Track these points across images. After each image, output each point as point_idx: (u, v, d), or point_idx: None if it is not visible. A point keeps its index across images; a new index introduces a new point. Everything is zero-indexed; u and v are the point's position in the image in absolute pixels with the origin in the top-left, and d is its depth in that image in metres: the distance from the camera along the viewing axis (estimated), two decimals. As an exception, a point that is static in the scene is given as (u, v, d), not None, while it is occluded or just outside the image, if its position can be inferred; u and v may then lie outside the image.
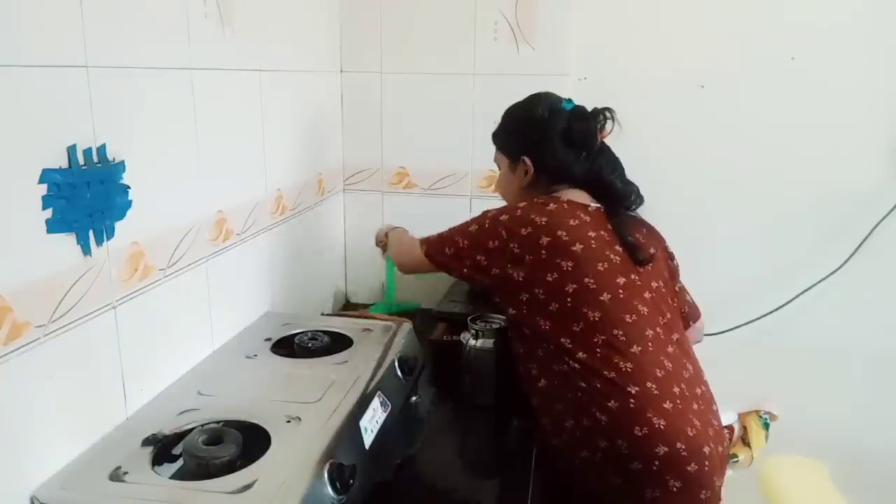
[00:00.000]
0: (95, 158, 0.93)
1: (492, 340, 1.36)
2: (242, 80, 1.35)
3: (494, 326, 1.38)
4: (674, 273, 1.36)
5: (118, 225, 0.99)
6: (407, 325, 1.43)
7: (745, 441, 1.93)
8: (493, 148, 1.44)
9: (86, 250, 0.92)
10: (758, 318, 1.84)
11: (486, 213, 1.31)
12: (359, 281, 2.01)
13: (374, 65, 1.85)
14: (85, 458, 0.92)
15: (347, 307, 1.98)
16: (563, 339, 1.17)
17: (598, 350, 1.15)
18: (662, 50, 1.78)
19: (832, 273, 1.79)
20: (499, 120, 1.41)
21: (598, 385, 1.14)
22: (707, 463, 1.13)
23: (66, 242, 0.90)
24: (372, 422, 1.07)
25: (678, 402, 1.14)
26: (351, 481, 0.90)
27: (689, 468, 1.11)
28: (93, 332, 0.95)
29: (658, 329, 1.20)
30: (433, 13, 1.79)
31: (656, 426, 1.10)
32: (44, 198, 0.85)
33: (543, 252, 1.20)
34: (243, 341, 1.33)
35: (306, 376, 1.17)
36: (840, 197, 1.77)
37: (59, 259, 0.89)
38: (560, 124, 1.30)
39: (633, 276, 1.22)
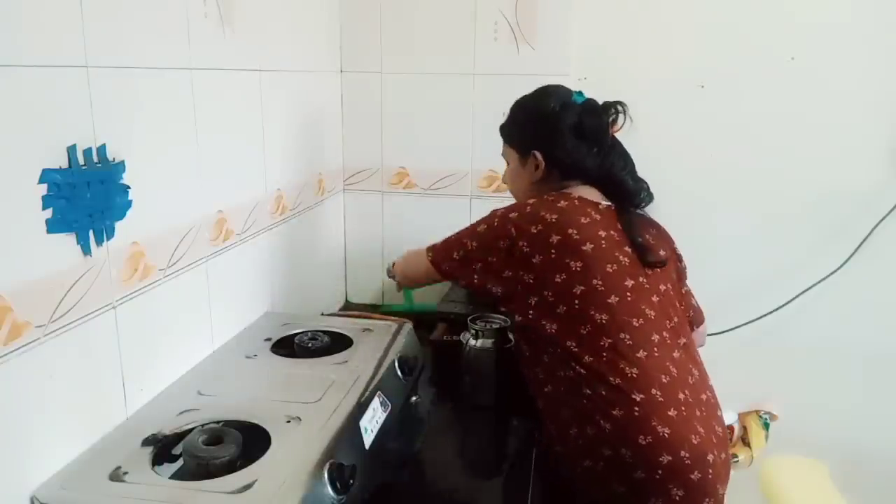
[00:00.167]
0: (95, 158, 0.93)
1: (492, 340, 1.36)
2: (242, 80, 1.35)
3: (494, 326, 1.38)
4: (681, 275, 1.34)
5: (118, 225, 0.99)
6: (407, 325, 1.43)
7: (745, 441, 1.93)
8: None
9: (86, 250, 0.92)
10: (758, 318, 1.84)
11: (494, 212, 1.28)
12: (359, 281, 2.01)
13: (374, 65, 1.85)
14: (85, 458, 0.92)
15: (347, 307, 1.98)
16: (569, 343, 1.16)
17: (605, 354, 1.13)
18: (662, 50, 1.78)
19: (832, 273, 1.79)
20: (507, 113, 1.38)
21: (603, 392, 1.12)
22: (711, 471, 1.12)
23: (66, 242, 0.90)
24: (372, 422, 1.07)
25: (683, 409, 1.13)
26: (351, 481, 0.90)
27: (692, 476, 1.10)
28: (93, 332, 0.95)
29: (665, 333, 1.19)
30: (433, 13, 1.79)
31: (660, 434, 1.09)
32: (44, 198, 0.85)
33: (553, 251, 1.17)
34: (243, 341, 1.33)
35: (306, 376, 1.17)
36: (840, 197, 1.77)
37: (59, 259, 0.89)
38: (571, 118, 1.27)
39: (641, 279, 1.20)
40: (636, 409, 1.10)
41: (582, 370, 1.14)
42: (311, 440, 0.96)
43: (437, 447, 1.26)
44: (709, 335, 1.72)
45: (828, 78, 1.72)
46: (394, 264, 1.52)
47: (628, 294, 1.17)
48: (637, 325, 1.16)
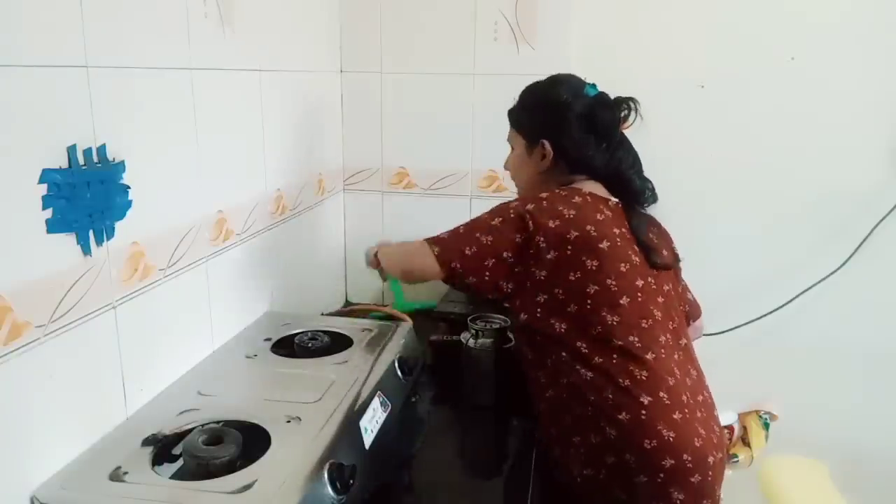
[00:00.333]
0: (95, 158, 0.93)
1: (491, 340, 1.36)
2: (242, 80, 1.35)
3: (494, 326, 1.38)
4: (678, 274, 1.34)
5: (118, 225, 0.99)
6: (407, 325, 1.43)
7: (745, 441, 1.93)
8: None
9: (86, 250, 0.92)
10: (758, 318, 1.84)
11: (506, 205, 1.22)
12: (359, 281, 2.01)
13: (374, 65, 1.85)
14: (85, 458, 0.92)
15: (347, 307, 1.98)
16: (579, 344, 1.14)
17: (615, 356, 1.12)
18: (663, 50, 1.78)
19: (832, 273, 1.79)
20: (517, 98, 1.36)
21: (610, 395, 1.11)
22: (710, 473, 1.12)
23: (66, 242, 0.90)
24: (372, 422, 1.07)
25: (686, 411, 1.13)
26: (351, 481, 0.90)
27: (692, 479, 1.10)
28: (93, 332, 0.95)
29: (668, 335, 1.18)
30: (433, 13, 1.79)
31: (665, 438, 1.09)
32: (44, 198, 0.85)
33: (569, 248, 1.14)
34: (243, 341, 1.33)
35: (306, 376, 1.17)
36: (840, 197, 1.77)
37: (59, 259, 0.89)
38: (582, 109, 1.25)
39: (649, 279, 1.19)
40: (643, 412, 1.10)
41: (589, 373, 1.13)
42: (311, 440, 0.96)
43: (437, 447, 1.25)
44: (708, 335, 1.73)
45: (828, 78, 1.72)
46: (376, 253, 1.38)
47: (639, 294, 1.16)
48: (646, 326, 1.15)
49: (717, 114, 1.78)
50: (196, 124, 1.18)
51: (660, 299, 1.20)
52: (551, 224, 1.15)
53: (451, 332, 1.53)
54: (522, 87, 1.37)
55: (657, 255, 1.22)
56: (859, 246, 1.77)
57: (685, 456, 1.09)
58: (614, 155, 1.26)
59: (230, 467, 0.90)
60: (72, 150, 0.88)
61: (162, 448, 0.95)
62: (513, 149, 1.37)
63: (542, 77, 1.35)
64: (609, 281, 1.14)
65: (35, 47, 0.83)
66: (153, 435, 0.97)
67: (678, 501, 1.10)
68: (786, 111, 1.75)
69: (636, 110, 1.27)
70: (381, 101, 1.87)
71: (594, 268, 1.14)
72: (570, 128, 1.25)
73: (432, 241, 1.22)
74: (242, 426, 0.98)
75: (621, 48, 1.79)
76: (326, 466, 0.90)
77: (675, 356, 1.18)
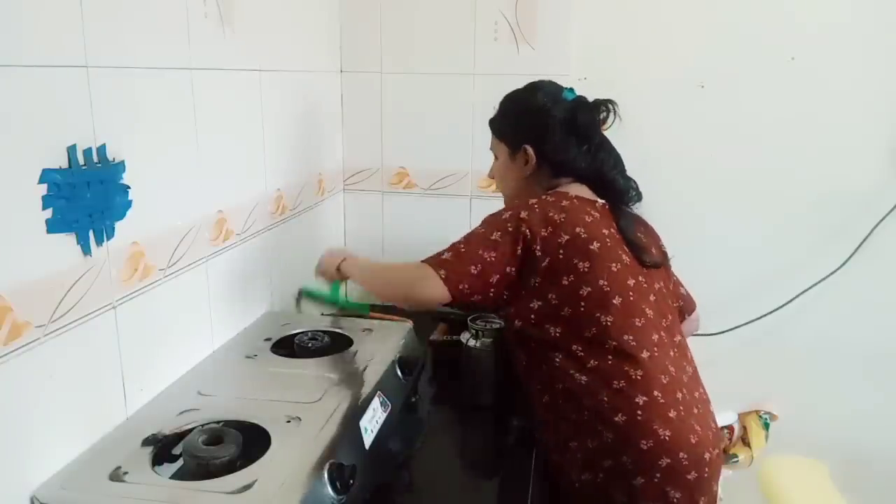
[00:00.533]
0: (95, 158, 0.93)
1: (491, 340, 1.36)
2: (242, 80, 1.35)
3: (494, 326, 1.38)
4: (669, 270, 1.34)
5: (118, 225, 0.99)
6: (407, 325, 1.43)
7: (745, 441, 1.93)
8: (489, 143, 1.42)
9: (86, 250, 0.92)
10: (758, 318, 1.84)
11: (499, 216, 1.21)
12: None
13: (374, 65, 1.85)
14: (85, 458, 0.92)
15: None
16: (574, 347, 1.14)
17: (610, 358, 1.13)
18: (662, 50, 1.78)
19: (832, 273, 1.79)
20: (497, 107, 1.38)
21: (605, 398, 1.12)
22: (707, 469, 1.12)
23: (66, 242, 0.90)
24: (372, 422, 1.07)
25: (681, 409, 1.13)
26: (351, 481, 0.90)
27: (688, 477, 1.10)
28: (93, 332, 0.95)
29: (662, 333, 1.19)
30: (433, 13, 1.79)
31: (661, 437, 1.09)
32: (44, 198, 0.85)
33: (561, 252, 1.15)
34: (243, 341, 1.33)
35: (306, 376, 1.17)
36: (840, 197, 1.77)
37: (59, 259, 0.89)
38: (562, 113, 1.27)
39: (640, 278, 1.20)
40: (639, 413, 1.10)
41: (583, 377, 1.13)
42: (311, 440, 0.96)
43: (436, 447, 1.25)
44: (708, 335, 1.73)
45: (828, 78, 1.72)
46: (338, 269, 1.36)
47: (630, 294, 1.17)
48: (639, 325, 1.16)
49: (717, 114, 1.78)
50: (196, 124, 1.18)
51: (652, 297, 1.21)
52: (544, 232, 1.16)
53: (451, 332, 1.53)
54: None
55: (647, 253, 1.23)
56: (859, 246, 1.77)
57: (681, 454, 1.09)
58: (596, 156, 1.28)
59: (230, 467, 0.90)
60: (72, 150, 0.88)
61: (162, 448, 0.95)
62: (496, 157, 1.39)
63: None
64: (601, 282, 1.15)
65: (35, 47, 0.83)
66: (153, 435, 0.96)
67: (675, 500, 1.10)
68: (786, 111, 1.75)
69: (615, 111, 1.29)
70: (381, 101, 1.87)
71: (586, 269, 1.15)
72: (552, 132, 1.27)
73: (435, 264, 1.16)
74: (242, 426, 0.98)
75: (621, 48, 1.79)
76: (326, 466, 0.90)
77: (671, 353, 1.19)
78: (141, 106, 1.03)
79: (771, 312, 1.83)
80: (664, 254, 1.33)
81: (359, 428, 1.03)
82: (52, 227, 0.86)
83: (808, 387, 1.87)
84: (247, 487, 0.85)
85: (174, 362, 1.16)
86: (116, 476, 0.88)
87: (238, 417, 1.01)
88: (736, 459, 1.91)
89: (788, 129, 1.76)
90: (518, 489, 1.12)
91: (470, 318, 1.40)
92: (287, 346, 1.31)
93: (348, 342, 1.32)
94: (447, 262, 1.16)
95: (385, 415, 1.12)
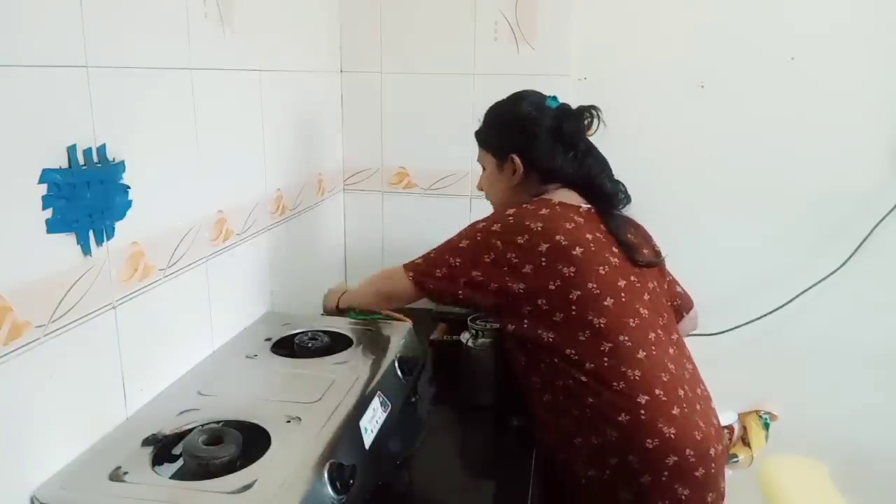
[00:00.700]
0: (95, 158, 0.93)
1: (491, 340, 1.36)
2: (242, 80, 1.35)
3: (494, 326, 1.38)
4: (663, 269, 1.35)
5: (118, 225, 0.99)
6: (407, 325, 1.43)
7: (745, 441, 1.93)
8: (476, 155, 1.43)
9: (86, 250, 0.92)
10: (758, 318, 1.84)
11: (474, 226, 1.27)
12: (359, 281, 2.01)
13: (374, 65, 1.85)
14: (85, 458, 0.92)
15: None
16: (569, 351, 1.15)
17: (606, 359, 1.13)
18: (662, 50, 1.78)
19: (832, 273, 1.79)
20: (481, 119, 1.39)
21: (608, 399, 1.12)
22: (713, 465, 1.13)
23: (66, 242, 0.90)
24: (372, 422, 1.07)
25: (684, 406, 1.13)
26: (351, 481, 0.90)
27: (696, 474, 1.10)
28: (93, 332, 0.95)
29: (659, 331, 1.19)
30: (433, 13, 1.79)
31: (667, 435, 1.10)
32: (44, 198, 0.85)
33: (543, 259, 1.16)
34: (243, 341, 1.33)
35: (306, 376, 1.17)
36: (840, 197, 1.77)
37: (59, 259, 0.89)
38: (548, 121, 1.29)
39: (632, 278, 1.21)
40: (642, 412, 1.10)
41: (583, 378, 1.14)
42: (311, 440, 0.96)
43: (436, 447, 1.25)
44: (708, 335, 1.73)
45: (828, 78, 1.72)
46: (338, 305, 1.50)
47: (622, 294, 1.17)
48: (634, 325, 1.16)
49: (717, 114, 1.78)
50: (196, 124, 1.18)
51: (646, 297, 1.21)
52: (520, 240, 1.18)
53: (451, 332, 1.53)
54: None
55: (639, 254, 1.24)
56: (859, 246, 1.77)
57: (688, 451, 1.10)
58: (583, 162, 1.29)
59: (230, 467, 0.90)
60: (72, 150, 0.88)
61: (162, 448, 0.95)
62: (484, 168, 1.41)
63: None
64: (590, 285, 1.16)
65: (35, 47, 0.83)
66: (153, 435, 0.96)
67: (683, 497, 1.10)
68: (785, 111, 1.75)
69: (599, 117, 1.31)
70: (381, 101, 1.87)
71: (571, 274, 1.16)
72: (538, 140, 1.29)
73: (408, 267, 1.30)
74: (242, 426, 0.98)
75: (621, 48, 1.79)
76: (326, 466, 0.90)
77: (669, 351, 1.19)
78: (141, 106, 1.03)
79: (771, 312, 1.83)
80: (657, 253, 1.34)
81: (359, 428, 1.03)
82: (52, 227, 0.86)
83: (808, 387, 1.87)
84: (247, 487, 0.85)
85: (174, 362, 1.16)
86: (116, 476, 0.88)
87: (238, 417, 1.01)
88: (736, 459, 1.91)
89: (788, 129, 1.76)
90: (518, 489, 1.12)
91: (470, 318, 1.40)
92: (287, 346, 1.31)
93: (348, 342, 1.32)
94: (417, 265, 1.29)
95: (385, 415, 1.12)
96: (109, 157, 0.96)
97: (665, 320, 1.23)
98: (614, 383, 1.12)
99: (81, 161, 0.90)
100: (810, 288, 1.80)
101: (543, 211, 1.22)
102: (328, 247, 1.90)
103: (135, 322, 1.03)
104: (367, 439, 1.04)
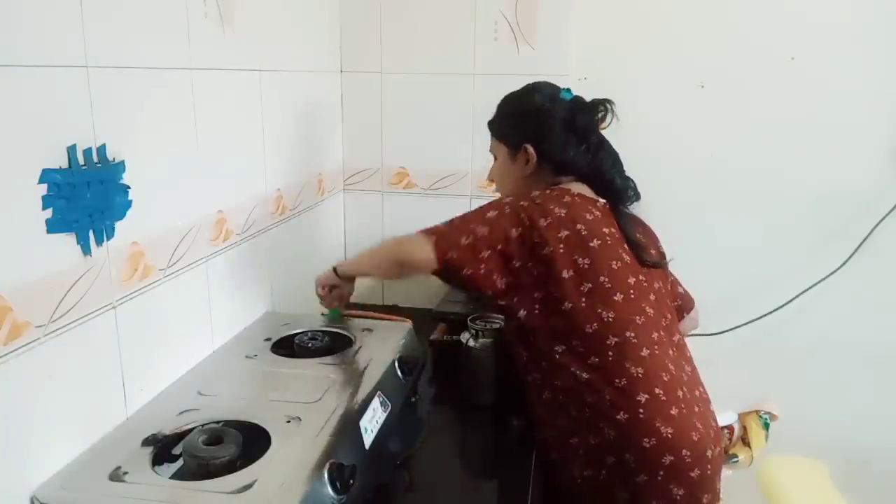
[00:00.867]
0: (95, 158, 0.93)
1: (492, 340, 1.36)
2: (242, 80, 1.35)
3: (494, 326, 1.38)
4: (667, 270, 1.34)
5: (118, 225, 0.99)
6: (407, 325, 1.43)
7: (745, 441, 1.93)
8: (489, 145, 1.43)
9: (86, 250, 0.92)
10: (758, 318, 1.84)
11: (499, 200, 1.24)
12: (359, 281, 2.01)
13: (374, 65, 1.85)
14: (85, 458, 0.92)
15: (347, 307, 1.98)
16: (575, 342, 1.14)
17: (611, 354, 1.13)
18: (662, 50, 1.78)
19: (832, 273, 1.79)
20: (495, 109, 1.38)
21: (608, 396, 1.12)
22: (709, 467, 1.12)
23: (66, 242, 0.90)
24: (372, 422, 1.07)
25: (682, 406, 1.13)
26: (351, 481, 0.90)
27: (692, 474, 1.10)
28: (93, 332, 0.95)
29: (661, 332, 1.19)
30: (433, 13, 1.79)
31: (664, 435, 1.10)
32: (44, 198, 0.85)
33: (562, 246, 1.15)
34: (243, 341, 1.33)
35: (306, 376, 1.17)
36: (840, 197, 1.77)
37: (59, 259, 0.89)
38: (561, 113, 1.28)
39: (640, 277, 1.21)
40: (640, 410, 1.10)
41: (584, 374, 1.13)
42: (311, 440, 0.96)
43: (436, 447, 1.25)
44: (708, 335, 1.73)
45: (828, 78, 1.72)
46: (336, 271, 1.40)
47: (631, 292, 1.17)
48: (640, 322, 1.16)
49: (717, 113, 1.78)
50: (196, 124, 1.18)
51: (652, 297, 1.21)
52: (543, 222, 1.16)
53: (451, 332, 1.53)
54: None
55: (646, 253, 1.24)
56: (859, 246, 1.77)
57: (684, 451, 1.10)
58: (596, 156, 1.29)
59: (230, 467, 0.90)
60: (72, 150, 0.88)
61: (162, 448, 0.95)
62: (496, 158, 1.40)
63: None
64: (602, 278, 1.15)
65: (35, 47, 0.83)
66: (153, 435, 0.96)
67: (678, 497, 1.10)
68: (786, 111, 1.75)
69: (612, 111, 1.30)
70: (381, 101, 1.87)
71: (586, 266, 1.15)
72: (552, 131, 1.28)
73: (428, 232, 1.21)
74: (242, 426, 0.98)
75: (621, 48, 1.80)
76: (326, 466, 0.90)
77: (670, 352, 1.19)
78: (141, 106, 1.03)
79: (771, 312, 1.83)
80: (662, 254, 1.34)
81: (359, 428, 1.03)
82: (52, 227, 0.86)
83: (808, 387, 1.87)
84: (247, 487, 0.85)
85: (174, 362, 1.16)
86: (116, 476, 0.88)
87: (238, 417, 1.01)
88: (736, 459, 1.91)
89: (788, 129, 1.76)
90: (518, 489, 1.12)
91: (470, 318, 1.40)
92: (287, 346, 1.31)
93: (348, 342, 1.32)
94: (439, 231, 1.20)
95: (385, 415, 1.12)
96: (109, 157, 0.96)
97: (668, 321, 1.23)
98: (616, 379, 1.12)
99: (81, 161, 0.90)
100: (810, 288, 1.80)
101: (566, 199, 1.21)
102: (328, 247, 1.90)
103: (135, 322, 1.03)
104: (367, 439, 1.04)
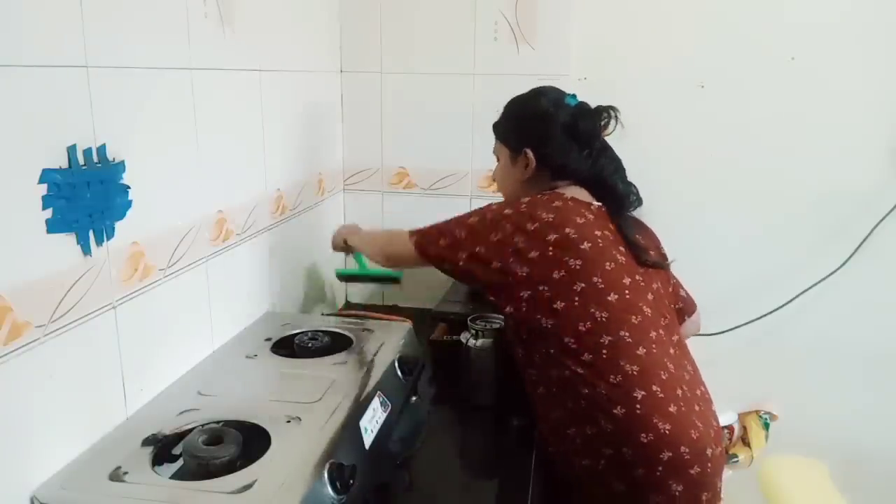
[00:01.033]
0: (95, 158, 0.93)
1: (492, 340, 1.36)
2: (242, 80, 1.35)
3: (494, 326, 1.38)
4: (668, 273, 1.35)
5: (118, 225, 0.99)
6: (407, 325, 1.43)
7: (745, 441, 1.93)
8: (493, 148, 1.43)
9: (86, 250, 0.92)
10: (758, 318, 1.84)
11: (487, 206, 1.29)
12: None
13: (374, 65, 1.85)
14: (85, 458, 0.92)
15: (347, 307, 1.98)
16: (567, 339, 1.15)
17: (605, 352, 1.13)
18: (662, 49, 1.78)
19: (832, 273, 1.79)
20: (501, 110, 1.40)
21: (603, 391, 1.12)
22: (710, 465, 1.13)
23: (66, 242, 0.90)
24: (372, 422, 1.07)
25: (681, 404, 1.13)
26: (351, 481, 0.90)
27: (691, 471, 1.10)
28: (93, 332, 0.95)
29: (660, 331, 1.19)
30: (433, 13, 1.79)
31: (662, 431, 1.10)
32: (44, 198, 0.85)
33: (551, 249, 1.17)
34: (243, 341, 1.33)
35: (306, 376, 1.17)
36: (840, 197, 1.77)
37: (59, 259, 0.89)
38: (564, 119, 1.29)
39: (637, 277, 1.21)
40: (637, 406, 1.11)
41: (579, 370, 1.14)
42: (311, 440, 0.96)
43: (436, 447, 1.25)
44: (708, 335, 1.73)
45: (828, 78, 1.72)
46: (345, 241, 1.57)
47: (626, 292, 1.18)
48: (636, 322, 1.16)
49: (717, 114, 1.78)
50: (196, 124, 1.18)
51: (649, 296, 1.22)
52: (530, 227, 1.19)
53: (451, 332, 1.53)
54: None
55: (646, 254, 1.25)
56: (859, 246, 1.77)
57: (682, 448, 1.10)
58: (597, 162, 1.30)
59: (230, 467, 0.90)
60: (72, 150, 0.88)
61: (162, 448, 0.95)
62: (499, 160, 1.42)
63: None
64: (595, 279, 1.16)
65: (35, 47, 0.83)
66: (153, 435, 0.97)
67: (677, 493, 1.10)
68: (786, 111, 1.75)
69: (616, 118, 1.31)
70: (381, 101, 1.87)
71: (577, 267, 1.17)
72: (553, 137, 1.30)
73: (413, 233, 1.33)
74: (242, 426, 0.98)
75: (621, 48, 1.79)
76: (326, 466, 0.90)
77: (670, 351, 1.19)
78: (141, 106, 1.03)
79: (771, 312, 1.83)
80: (663, 256, 1.35)
81: (359, 428, 1.03)
82: (52, 227, 0.86)
83: (808, 387, 1.87)
84: (247, 487, 0.85)
85: (174, 362, 1.16)
86: (116, 476, 0.88)
87: (238, 417, 1.01)
88: (736, 459, 1.91)
89: (788, 129, 1.76)
90: (518, 489, 1.12)
91: (470, 318, 1.40)
92: (287, 346, 1.31)
93: (348, 342, 1.32)
94: (422, 232, 1.33)
95: (385, 415, 1.12)
96: (109, 157, 0.96)
97: (667, 321, 1.23)
98: (611, 377, 1.12)
99: (81, 161, 0.90)
100: (810, 288, 1.80)
101: (556, 203, 1.23)
102: (328, 247, 1.90)
103: (135, 322, 1.03)
104: (367, 439, 1.04)
